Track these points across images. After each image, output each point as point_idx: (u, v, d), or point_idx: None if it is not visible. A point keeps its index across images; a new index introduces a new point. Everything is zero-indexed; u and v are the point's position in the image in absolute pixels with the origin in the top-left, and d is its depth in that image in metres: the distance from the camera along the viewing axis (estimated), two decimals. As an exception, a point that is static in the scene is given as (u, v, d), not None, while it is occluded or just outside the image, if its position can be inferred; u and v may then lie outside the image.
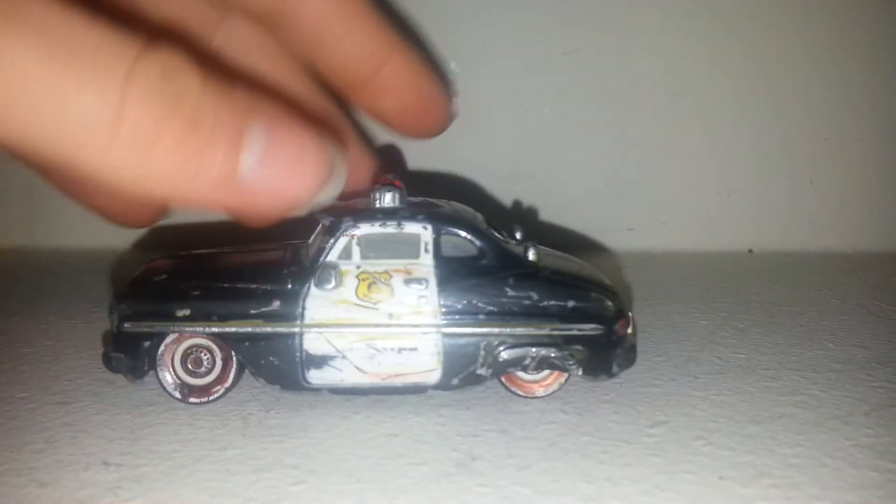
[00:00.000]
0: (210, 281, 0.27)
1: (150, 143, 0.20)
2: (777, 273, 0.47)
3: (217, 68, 0.22)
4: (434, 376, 0.27)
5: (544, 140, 0.50)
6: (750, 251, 0.52)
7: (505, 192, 0.51)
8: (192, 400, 0.27)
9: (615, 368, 0.27)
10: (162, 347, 0.27)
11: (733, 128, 0.51)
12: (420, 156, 0.50)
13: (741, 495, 0.22)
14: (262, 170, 0.22)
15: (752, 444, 0.24)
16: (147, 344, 0.27)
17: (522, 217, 0.50)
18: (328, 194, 0.23)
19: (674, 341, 0.34)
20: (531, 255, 0.27)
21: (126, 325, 0.27)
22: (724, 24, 0.49)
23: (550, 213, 0.51)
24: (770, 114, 0.51)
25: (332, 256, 0.27)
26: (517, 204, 0.51)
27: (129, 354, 0.27)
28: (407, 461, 0.23)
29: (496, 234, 0.28)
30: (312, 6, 0.28)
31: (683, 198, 0.52)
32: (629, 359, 0.28)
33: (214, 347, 0.27)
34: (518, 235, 0.30)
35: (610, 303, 0.27)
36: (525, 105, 0.50)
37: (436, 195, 0.31)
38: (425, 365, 0.26)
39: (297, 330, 0.26)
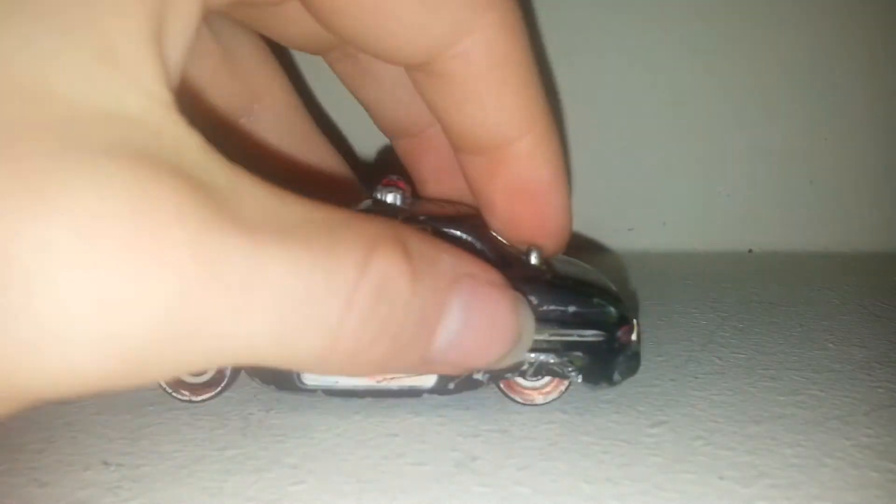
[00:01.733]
0: None
1: (357, 359, 0.20)
2: (777, 273, 0.47)
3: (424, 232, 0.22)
4: (430, 380, 0.26)
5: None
6: (750, 251, 0.52)
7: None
8: (187, 396, 0.27)
9: (617, 376, 0.26)
10: None
11: (733, 128, 0.51)
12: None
13: (741, 495, 0.22)
14: (455, 347, 0.22)
15: (752, 444, 0.24)
16: None
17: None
18: (514, 358, 0.23)
19: (674, 341, 0.34)
20: (533, 259, 0.27)
21: None
22: (724, 24, 0.49)
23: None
24: (770, 114, 0.51)
25: None
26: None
27: None
28: (407, 461, 0.23)
29: (497, 235, 0.28)
30: (464, 59, 0.25)
31: (683, 198, 0.52)
32: (632, 367, 0.27)
33: None
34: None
35: (612, 309, 0.26)
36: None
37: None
38: None
39: None
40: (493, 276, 0.23)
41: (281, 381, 0.27)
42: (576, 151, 0.51)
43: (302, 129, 0.31)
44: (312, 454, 0.24)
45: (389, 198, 0.27)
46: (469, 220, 0.28)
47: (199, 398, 0.27)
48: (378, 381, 0.26)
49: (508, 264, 0.27)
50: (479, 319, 0.22)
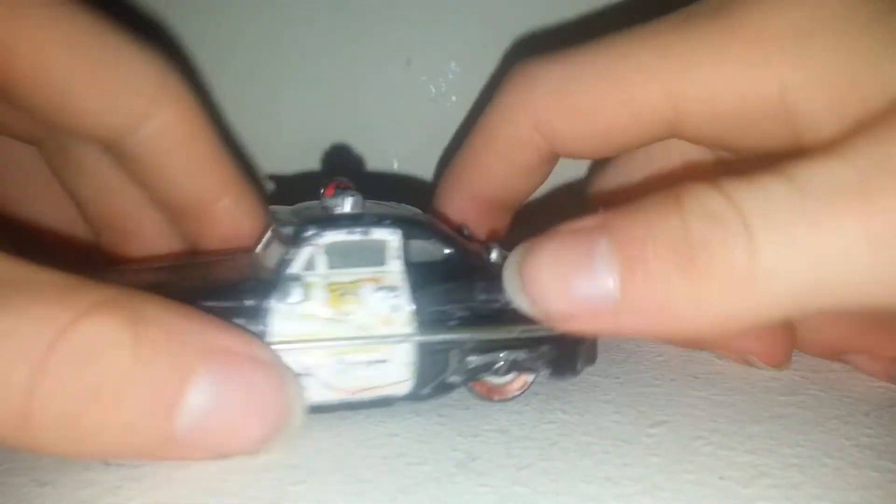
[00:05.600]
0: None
1: (71, 433, 0.19)
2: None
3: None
4: (405, 387, 0.25)
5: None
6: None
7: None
8: None
9: (580, 365, 0.27)
10: None
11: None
12: (420, 153, 0.50)
13: (741, 495, 0.22)
14: (204, 428, 0.20)
15: (752, 444, 0.24)
16: None
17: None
18: (283, 440, 0.22)
19: (674, 341, 0.34)
20: (494, 256, 0.26)
21: None
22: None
23: (548, 213, 0.51)
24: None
25: (296, 268, 0.24)
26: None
27: None
28: (407, 461, 0.23)
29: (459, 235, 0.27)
30: (153, 139, 0.29)
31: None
32: (592, 356, 0.28)
33: None
34: (465, 232, 0.29)
35: None
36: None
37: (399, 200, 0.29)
38: (397, 376, 0.25)
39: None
40: (258, 350, 0.22)
41: None
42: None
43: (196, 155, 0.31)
44: (312, 454, 0.24)
45: (350, 202, 0.26)
46: (431, 222, 0.28)
47: None
48: (351, 395, 0.25)
49: (475, 265, 0.26)
50: (234, 398, 0.21)
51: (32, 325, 0.18)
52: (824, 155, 0.20)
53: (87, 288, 0.20)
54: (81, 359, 0.19)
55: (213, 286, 0.25)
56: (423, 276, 0.25)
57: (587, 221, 0.22)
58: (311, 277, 0.24)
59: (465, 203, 0.34)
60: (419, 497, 0.22)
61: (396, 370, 0.25)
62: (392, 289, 0.25)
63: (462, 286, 0.26)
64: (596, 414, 0.27)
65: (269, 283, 0.24)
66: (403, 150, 0.50)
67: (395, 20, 0.49)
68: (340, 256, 0.25)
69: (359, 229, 0.25)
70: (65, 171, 0.32)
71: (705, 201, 0.21)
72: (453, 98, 0.50)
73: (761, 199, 0.20)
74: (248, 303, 0.24)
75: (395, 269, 0.25)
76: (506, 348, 0.26)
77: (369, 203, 0.26)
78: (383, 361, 0.25)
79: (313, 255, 0.24)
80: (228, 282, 0.25)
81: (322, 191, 0.26)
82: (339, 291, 0.24)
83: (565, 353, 0.27)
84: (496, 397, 0.27)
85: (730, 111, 0.26)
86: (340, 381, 0.24)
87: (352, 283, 0.25)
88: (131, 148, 0.29)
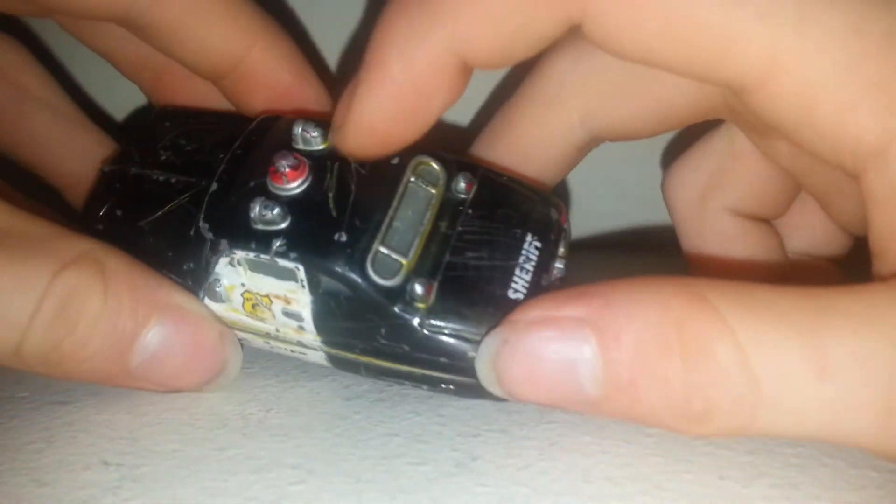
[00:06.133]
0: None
1: (50, 356, 0.23)
2: (777, 273, 0.47)
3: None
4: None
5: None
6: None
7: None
8: None
9: (488, 400, 0.25)
10: None
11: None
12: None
13: (741, 495, 0.22)
14: (154, 366, 0.25)
15: (752, 444, 0.24)
16: None
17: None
18: (220, 385, 0.27)
19: (674, 341, 0.34)
20: (417, 296, 0.24)
21: None
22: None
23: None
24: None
25: (218, 270, 0.25)
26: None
27: None
28: (407, 461, 0.23)
29: (378, 277, 0.24)
30: (164, 6, 0.28)
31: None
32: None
33: None
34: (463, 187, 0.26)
35: None
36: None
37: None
38: (317, 363, 0.27)
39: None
40: (200, 308, 0.26)
41: None
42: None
43: (69, 112, 0.34)
44: (312, 454, 0.24)
45: (315, 133, 0.25)
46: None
47: None
48: None
49: (383, 308, 0.24)
50: (180, 344, 0.25)
51: (32, 271, 0.23)
52: (854, 323, 0.19)
53: (69, 239, 0.24)
54: (66, 300, 0.23)
55: (160, 259, 0.26)
56: (329, 311, 0.24)
57: (570, 308, 0.21)
58: (229, 281, 0.25)
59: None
60: (419, 497, 0.22)
61: (316, 359, 0.27)
62: (297, 315, 0.25)
63: (366, 329, 0.24)
64: (596, 414, 0.27)
65: (200, 280, 0.26)
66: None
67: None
68: (259, 267, 0.24)
69: (265, 255, 0.24)
70: (82, 31, 0.32)
71: (715, 348, 0.19)
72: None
73: (780, 369, 0.19)
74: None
75: (303, 297, 0.24)
76: (409, 380, 0.26)
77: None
78: (303, 353, 0.27)
79: (232, 262, 0.25)
80: (170, 261, 0.26)
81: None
82: (252, 301, 0.25)
83: (471, 394, 0.25)
84: None
85: None
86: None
87: (264, 296, 0.25)
88: (143, 19, 0.28)
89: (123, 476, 0.23)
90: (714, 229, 0.30)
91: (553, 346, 0.21)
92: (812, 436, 0.20)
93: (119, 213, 0.27)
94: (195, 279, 0.26)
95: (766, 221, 0.31)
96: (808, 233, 0.31)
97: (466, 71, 0.23)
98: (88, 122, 0.34)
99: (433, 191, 0.26)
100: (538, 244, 0.26)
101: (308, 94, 0.31)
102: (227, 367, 0.26)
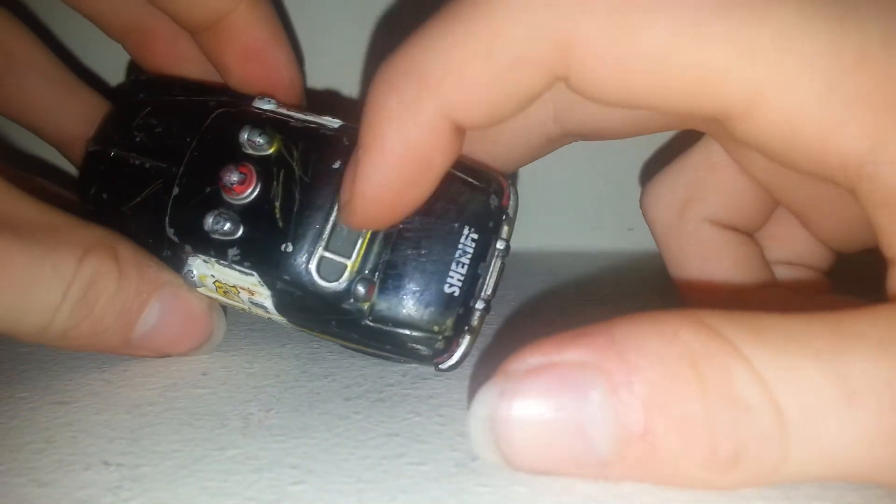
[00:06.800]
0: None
1: (68, 334, 0.26)
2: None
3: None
4: None
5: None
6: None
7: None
8: None
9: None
10: None
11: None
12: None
13: (741, 495, 0.22)
14: (152, 336, 0.29)
15: (752, 444, 0.24)
16: None
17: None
18: (209, 349, 0.31)
19: (674, 341, 0.34)
20: (359, 298, 0.26)
21: None
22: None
23: (550, 211, 0.51)
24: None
25: (190, 262, 0.28)
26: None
27: None
28: (407, 461, 0.23)
29: (323, 282, 0.26)
30: None
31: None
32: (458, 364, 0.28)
33: None
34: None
35: (426, 350, 0.27)
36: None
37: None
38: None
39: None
40: (191, 290, 0.29)
41: None
42: (576, 150, 0.51)
43: (59, 75, 0.35)
44: (312, 454, 0.24)
45: (262, 141, 0.27)
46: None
47: None
48: None
49: (332, 305, 0.27)
50: (174, 317, 0.29)
51: (63, 259, 0.25)
52: (874, 346, 0.18)
53: (85, 228, 0.27)
54: (89, 284, 0.26)
55: (143, 245, 0.29)
56: (287, 304, 0.27)
57: (573, 351, 0.19)
58: (201, 270, 0.28)
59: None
60: (419, 497, 0.22)
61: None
62: (262, 306, 0.28)
63: (319, 321, 0.28)
64: (596, 414, 0.27)
65: (176, 265, 0.29)
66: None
67: (395, 20, 0.49)
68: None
69: (224, 263, 0.27)
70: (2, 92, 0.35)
71: (735, 382, 0.18)
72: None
73: (806, 398, 0.18)
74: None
75: (262, 292, 0.27)
76: (366, 354, 0.30)
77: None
78: (275, 322, 0.29)
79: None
80: (151, 248, 0.29)
81: None
82: (223, 289, 0.28)
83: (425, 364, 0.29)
84: None
85: None
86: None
87: (232, 287, 0.28)
88: None
89: (123, 476, 0.22)
90: (694, 241, 0.30)
91: (556, 394, 0.19)
92: (849, 471, 0.19)
93: (105, 196, 0.30)
94: (173, 267, 0.29)
95: (746, 234, 0.31)
96: (790, 244, 0.31)
97: (461, 131, 0.23)
98: (79, 83, 0.35)
99: None
100: (475, 236, 0.27)
101: (279, 57, 0.33)
102: (214, 334, 0.30)
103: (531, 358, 0.20)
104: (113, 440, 0.25)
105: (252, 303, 0.28)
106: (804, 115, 0.20)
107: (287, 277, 0.26)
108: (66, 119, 0.34)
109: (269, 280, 0.27)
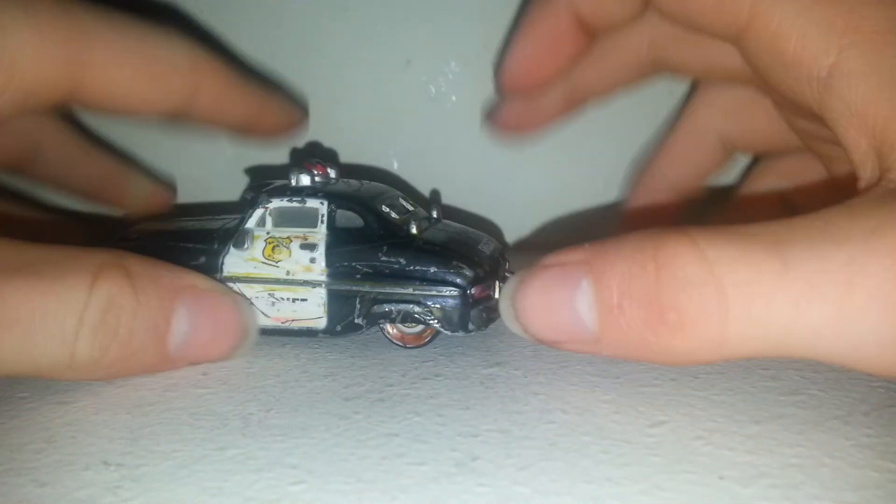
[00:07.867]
0: (164, 240, 0.34)
1: (98, 364, 0.26)
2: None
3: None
4: (321, 323, 0.32)
5: (545, 138, 0.50)
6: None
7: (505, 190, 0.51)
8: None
9: (471, 326, 0.32)
10: None
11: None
12: (420, 153, 0.50)
13: (741, 495, 0.22)
14: (188, 346, 0.28)
15: (752, 444, 0.24)
16: None
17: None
18: (248, 347, 0.30)
19: (674, 341, 0.34)
20: (413, 228, 0.33)
21: None
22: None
23: (549, 211, 0.51)
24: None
25: (250, 224, 0.33)
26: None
27: None
28: (407, 461, 0.23)
29: (388, 210, 0.33)
30: (200, 104, 0.34)
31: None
32: (485, 319, 0.32)
33: None
34: (434, 213, 0.36)
35: (469, 272, 0.32)
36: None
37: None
38: (314, 313, 0.32)
39: (217, 279, 0.32)
40: (211, 283, 0.29)
41: None
42: (576, 150, 0.51)
43: (83, 152, 0.42)
44: (312, 454, 0.24)
45: (303, 179, 0.34)
46: (366, 197, 0.34)
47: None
48: (282, 323, 0.32)
49: (388, 233, 0.32)
50: (205, 320, 0.28)
51: (69, 288, 0.25)
52: (821, 237, 0.22)
53: (89, 253, 0.26)
54: (105, 308, 0.25)
55: (197, 232, 0.34)
56: (340, 239, 0.32)
57: (573, 255, 0.26)
58: (257, 232, 0.33)
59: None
60: (419, 497, 0.22)
61: (314, 308, 0.32)
62: (313, 246, 0.32)
63: (370, 249, 0.32)
64: (596, 414, 0.27)
65: (231, 233, 0.33)
66: (403, 150, 0.51)
67: (395, 20, 0.49)
68: (286, 218, 0.33)
69: (297, 198, 0.33)
70: (35, 170, 0.41)
71: (683, 265, 0.22)
72: (453, 98, 0.50)
73: (746, 273, 0.22)
74: (214, 246, 0.33)
75: (321, 231, 0.32)
76: (401, 301, 0.32)
77: (340, 180, 0.35)
78: (304, 300, 0.32)
79: (263, 215, 0.33)
80: (203, 229, 0.34)
81: (291, 170, 0.34)
82: (273, 244, 0.32)
83: (456, 312, 0.31)
84: (409, 344, 0.33)
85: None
86: (272, 311, 0.32)
87: (285, 238, 0.32)
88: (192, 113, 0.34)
89: (123, 476, 0.22)
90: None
91: (558, 279, 0.25)
92: (789, 340, 0.22)
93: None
94: (227, 235, 0.33)
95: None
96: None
97: (584, 29, 0.34)
98: (93, 146, 0.43)
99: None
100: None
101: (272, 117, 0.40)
102: (249, 330, 0.30)
103: (545, 259, 0.27)
104: (113, 440, 0.25)
105: (302, 248, 0.32)
106: (786, 27, 0.25)
107: (362, 202, 0.33)
108: (85, 179, 0.42)
109: (332, 213, 0.32)
